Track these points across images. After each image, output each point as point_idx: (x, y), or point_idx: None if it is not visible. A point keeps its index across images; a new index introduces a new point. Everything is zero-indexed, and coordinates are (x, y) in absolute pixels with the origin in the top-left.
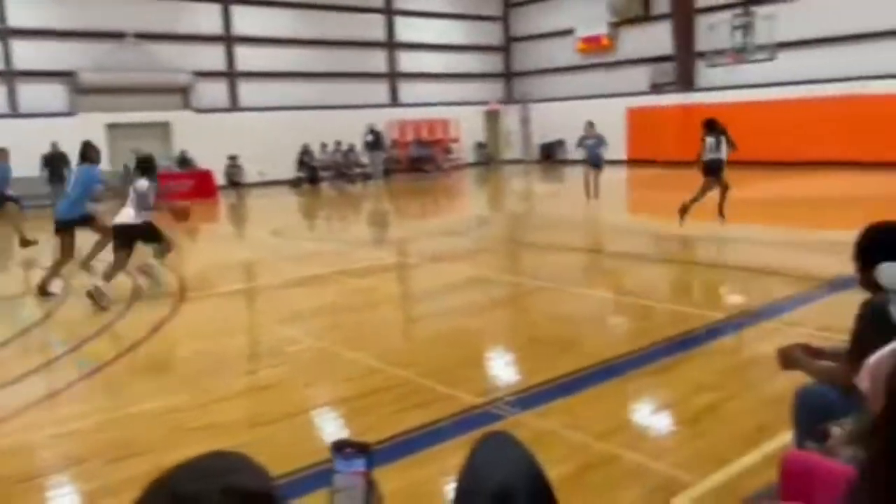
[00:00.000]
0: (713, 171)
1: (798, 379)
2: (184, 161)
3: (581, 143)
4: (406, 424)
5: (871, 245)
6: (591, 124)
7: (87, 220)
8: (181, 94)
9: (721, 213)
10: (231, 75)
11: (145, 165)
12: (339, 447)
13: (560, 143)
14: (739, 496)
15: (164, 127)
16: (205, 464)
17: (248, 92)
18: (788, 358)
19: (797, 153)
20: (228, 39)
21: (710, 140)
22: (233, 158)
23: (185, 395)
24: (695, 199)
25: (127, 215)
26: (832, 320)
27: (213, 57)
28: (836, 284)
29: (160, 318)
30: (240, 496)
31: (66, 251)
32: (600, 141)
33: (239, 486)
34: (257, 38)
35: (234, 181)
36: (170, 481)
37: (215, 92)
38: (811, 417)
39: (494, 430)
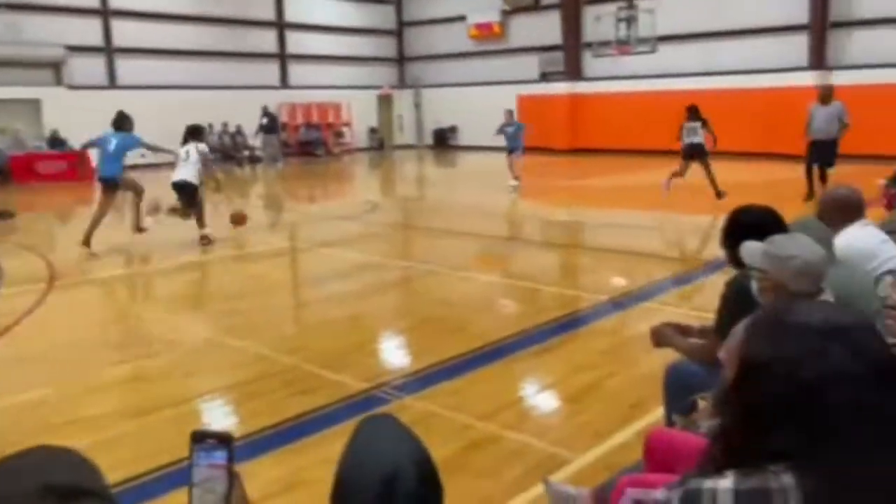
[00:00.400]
0: (690, 154)
1: (671, 356)
2: (56, 141)
3: (501, 129)
4: (290, 411)
5: (735, 227)
6: (510, 112)
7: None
8: (52, 70)
9: (717, 193)
10: (108, 51)
11: (196, 129)
12: (199, 438)
13: (453, 129)
14: (614, 471)
15: (34, 104)
16: (23, 461)
17: (129, 69)
18: (660, 336)
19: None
20: (105, 13)
21: (688, 125)
22: None
23: (52, 388)
24: (678, 174)
25: (188, 174)
26: (706, 300)
27: (88, 31)
28: (712, 266)
29: (28, 307)
30: (57, 495)
31: (107, 205)
32: (519, 128)
33: (58, 484)
34: (137, 12)
35: None
36: None
37: (91, 68)
38: (679, 392)
39: (377, 413)
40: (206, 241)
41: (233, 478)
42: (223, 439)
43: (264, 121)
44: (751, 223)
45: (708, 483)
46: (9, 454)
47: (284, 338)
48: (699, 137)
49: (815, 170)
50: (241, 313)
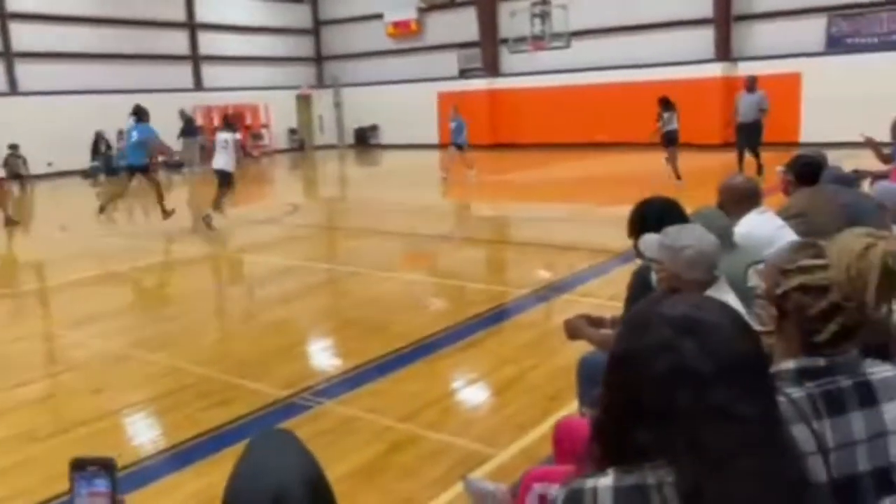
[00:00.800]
0: (672, 140)
1: (588, 347)
2: None
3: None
4: (208, 424)
5: (638, 218)
6: (455, 109)
7: (146, 168)
8: None
9: (678, 177)
10: (6, 55)
11: (231, 120)
12: (79, 466)
13: (374, 128)
14: (535, 463)
15: None
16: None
17: (31, 75)
18: (572, 328)
19: (592, 135)
20: (2, 16)
21: (666, 115)
22: (13, 148)
23: None
24: (673, 160)
25: (226, 162)
26: (621, 290)
27: None
28: (628, 256)
29: None
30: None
31: (124, 188)
32: (459, 124)
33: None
34: (38, 14)
35: (16, 173)
36: None
37: None
38: (591, 383)
39: (271, 429)
40: (208, 223)
41: None
42: (105, 465)
43: (189, 122)
44: (653, 214)
45: (590, 482)
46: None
47: (201, 348)
48: (675, 125)
49: (747, 155)
50: (155, 324)
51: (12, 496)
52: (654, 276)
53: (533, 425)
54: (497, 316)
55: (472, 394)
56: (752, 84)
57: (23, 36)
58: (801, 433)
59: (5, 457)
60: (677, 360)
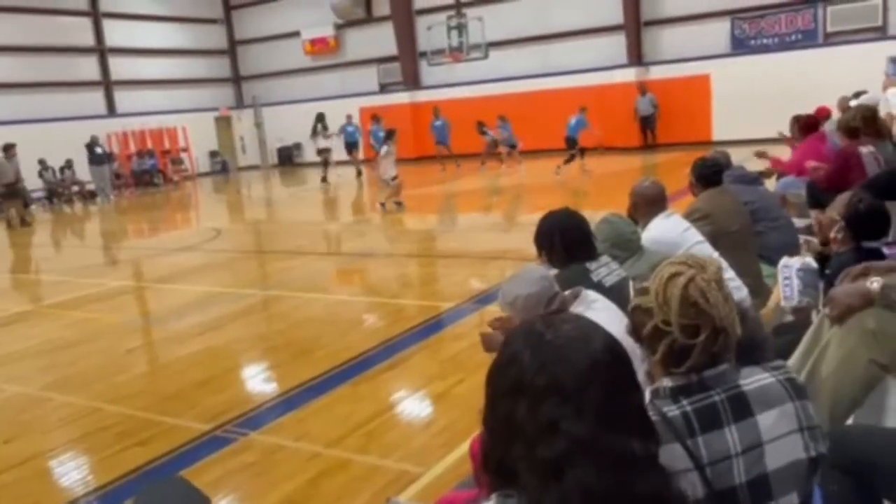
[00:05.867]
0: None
1: None
2: None
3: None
4: (127, 466)
5: (539, 232)
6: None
7: None
8: None
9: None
10: None
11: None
12: None
13: (297, 146)
14: (462, 479)
15: None
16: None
17: None
18: (489, 342)
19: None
20: None
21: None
22: None
23: None
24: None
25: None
26: None
27: None
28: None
29: None
30: None
31: None
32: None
33: None
34: None
35: None
36: None
37: None
38: None
39: (158, 482)
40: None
41: None
42: None
43: (99, 150)
44: (553, 226)
45: None
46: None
47: (117, 386)
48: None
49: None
50: (67, 365)
51: None
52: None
53: (460, 441)
54: (425, 331)
55: (400, 413)
56: (643, 88)
57: None
58: (674, 451)
59: None
60: (517, 374)
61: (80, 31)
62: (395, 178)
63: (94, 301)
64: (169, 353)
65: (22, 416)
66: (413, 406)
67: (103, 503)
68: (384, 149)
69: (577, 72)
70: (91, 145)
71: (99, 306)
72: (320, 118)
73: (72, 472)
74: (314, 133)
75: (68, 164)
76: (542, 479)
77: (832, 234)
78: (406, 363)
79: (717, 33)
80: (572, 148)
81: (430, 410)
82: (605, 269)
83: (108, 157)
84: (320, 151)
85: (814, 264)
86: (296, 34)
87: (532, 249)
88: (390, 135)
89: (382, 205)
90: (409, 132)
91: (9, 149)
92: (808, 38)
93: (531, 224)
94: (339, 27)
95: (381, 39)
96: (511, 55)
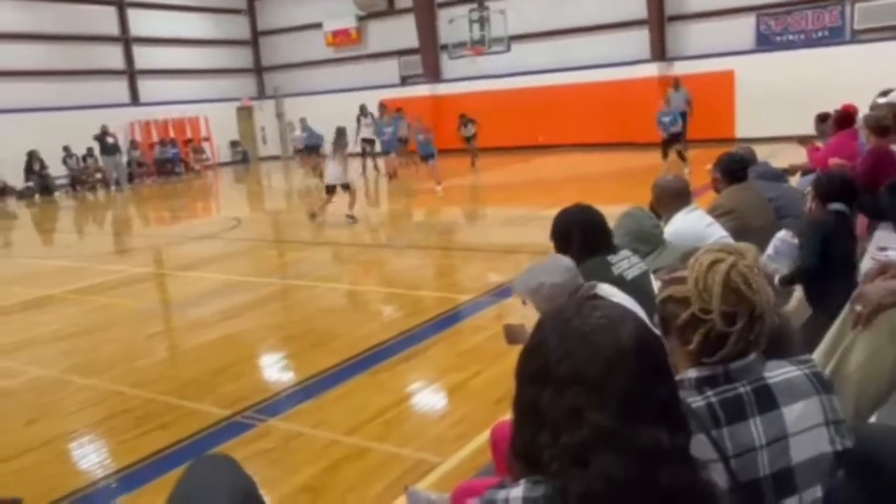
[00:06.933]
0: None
1: None
2: None
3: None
4: (147, 449)
5: (556, 228)
6: (418, 120)
7: None
8: None
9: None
10: None
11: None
12: None
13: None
14: (479, 470)
15: None
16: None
17: None
18: (512, 333)
19: (534, 137)
20: None
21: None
22: None
23: None
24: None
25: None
26: None
27: None
28: None
29: None
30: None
31: None
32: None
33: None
34: None
35: None
36: None
37: None
38: None
39: (209, 454)
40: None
41: None
42: None
43: (110, 140)
44: (570, 221)
45: (502, 493)
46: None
47: (138, 370)
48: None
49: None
50: (90, 349)
51: None
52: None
53: (478, 431)
54: (442, 323)
55: (418, 403)
56: (677, 83)
57: None
58: (699, 442)
59: None
60: (544, 360)
61: (105, 20)
62: (346, 185)
63: (115, 287)
64: (188, 340)
65: (44, 399)
66: (431, 396)
67: (126, 485)
68: (330, 149)
69: (599, 66)
70: (101, 135)
71: (120, 292)
72: (363, 110)
73: (93, 454)
74: (357, 123)
75: (90, 153)
76: (567, 467)
77: None
78: (424, 354)
79: (743, 29)
80: (676, 141)
81: (447, 401)
82: (626, 262)
83: (119, 148)
84: (364, 142)
85: (792, 238)
86: (318, 25)
87: (548, 244)
88: (341, 134)
89: (313, 215)
90: (428, 126)
91: None
92: (835, 35)
93: (547, 218)
94: (360, 19)
95: (402, 32)
96: (533, 49)
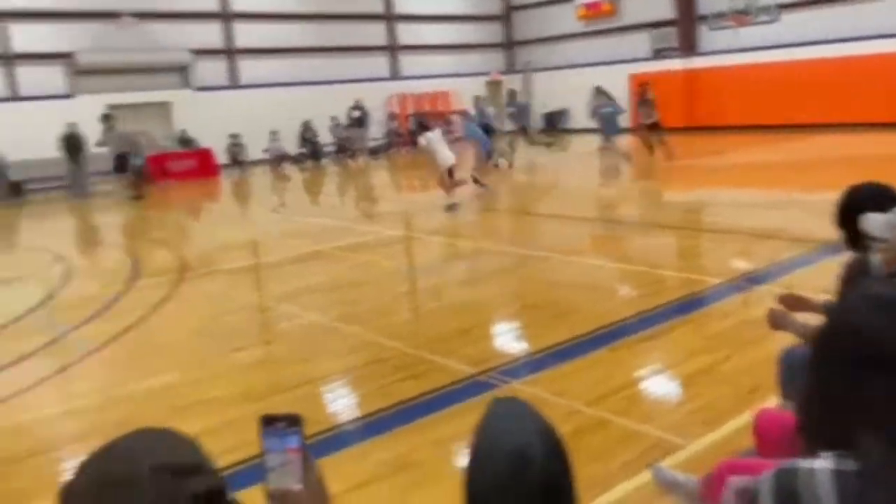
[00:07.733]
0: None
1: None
2: (184, 140)
3: (595, 112)
4: (400, 395)
5: (851, 204)
6: (601, 91)
7: None
8: (180, 73)
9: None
10: (230, 52)
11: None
12: (269, 422)
13: (563, 112)
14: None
15: (165, 107)
16: (131, 443)
17: (247, 69)
18: (777, 318)
19: (801, 116)
20: (226, 16)
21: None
22: (234, 136)
23: (178, 374)
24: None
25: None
26: (828, 282)
27: (211, 34)
28: (836, 247)
29: (160, 297)
30: (170, 472)
31: None
32: (616, 108)
33: (168, 462)
34: (255, 13)
35: (237, 159)
36: (98, 464)
37: (214, 70)
38: (793, 377)
39: (505, 394)
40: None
41: (306, 460)
42: (293, 421)
43: (356, 114)
44: (867, 199)
45: (804, 463)
46: (114, 438)
47: (394, 324)
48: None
49: None
50: (352, 301)
51: (234, 448)
52: (875, 260)
53: (727, 418)
54: (688, 305)
55: (661, 383)
56: None
57: (244, 34)
58: None
59: (225, 413)
60: (873, 343)
61: (371, 0)
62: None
63: (373, 247)
64: (437, 299)
65: (315, 341)
66: (674, 378)
67: (376, 427)
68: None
69: (874, 37)
70: (355, 108)
71: (377, 252)
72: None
73: (351, 395)
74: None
75: (352, 123)
76: (889, 450)
77: None
78: (667, 335)
79: None
80: None
81: (692, 384)
82: None
83: (364, 121)
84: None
85: None
86: None
87: (811, 229)
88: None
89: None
90: (679, 101)
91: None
92: None
93: (812, 203)
94: None
95: (657, 3)
96: (808, 18)
